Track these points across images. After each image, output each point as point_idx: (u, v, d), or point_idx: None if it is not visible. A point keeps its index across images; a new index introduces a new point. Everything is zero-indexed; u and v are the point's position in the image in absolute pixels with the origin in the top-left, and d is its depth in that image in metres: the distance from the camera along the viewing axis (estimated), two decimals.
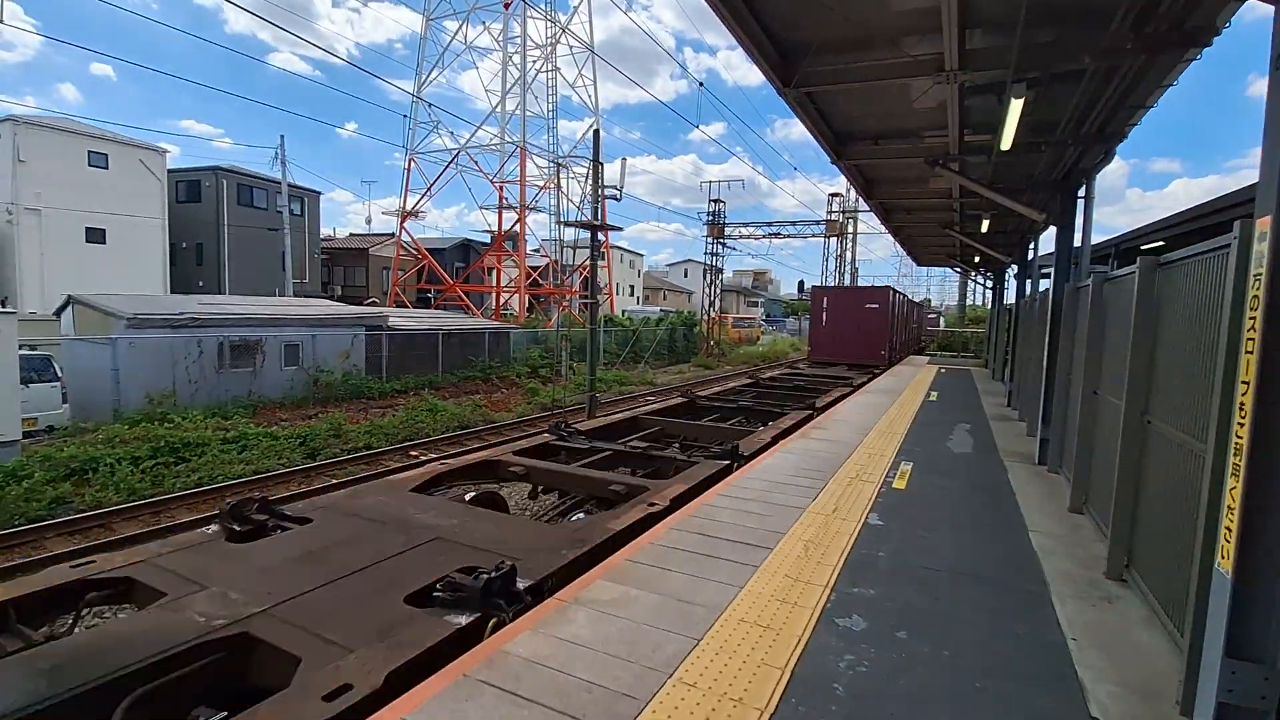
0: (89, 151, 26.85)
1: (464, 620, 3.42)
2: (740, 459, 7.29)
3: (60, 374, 13.15)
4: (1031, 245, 12.15)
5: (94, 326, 14.66)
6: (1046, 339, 7.56)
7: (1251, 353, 2.37)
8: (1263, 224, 2.35)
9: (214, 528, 4.77)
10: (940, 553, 4.74)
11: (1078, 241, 7.36)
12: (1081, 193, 7.21)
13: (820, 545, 4.77)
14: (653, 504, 5.44)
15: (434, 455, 12.48)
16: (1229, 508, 2.44)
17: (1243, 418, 2.40)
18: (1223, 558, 2.46)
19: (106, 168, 27.40)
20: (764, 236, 36.59)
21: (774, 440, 8.57)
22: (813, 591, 3.98)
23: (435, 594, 3.62)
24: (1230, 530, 2.42)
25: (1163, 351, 4.03)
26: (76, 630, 3.72)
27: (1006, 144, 5.70)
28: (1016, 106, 4.89)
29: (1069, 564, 4.63)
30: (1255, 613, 2.36)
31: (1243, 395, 2.41)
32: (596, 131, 13.98)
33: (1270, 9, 2.31)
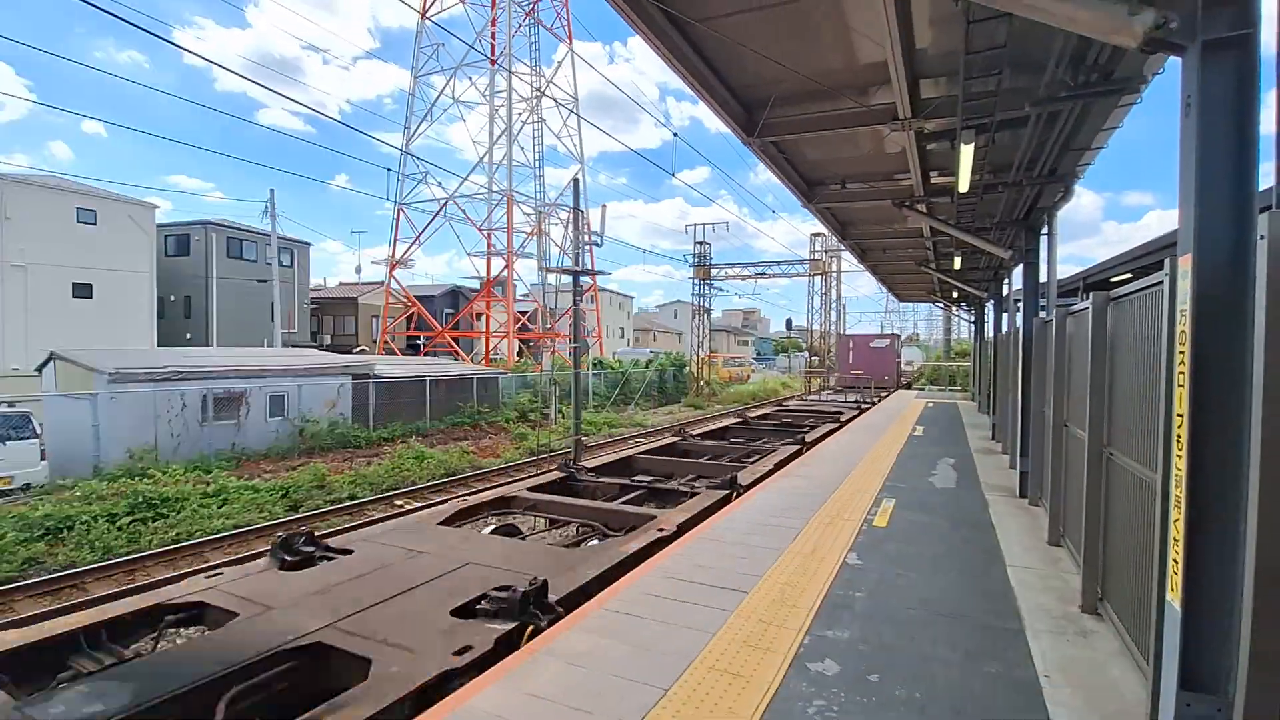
0: (77, 208, 27.08)
1: (507, 628, 3.90)
2: (739, 489, 7.68)
3: (39, 431, 12.98)
4: (1006, 280, 12.38)
5: (76, 382, 14.56)
6: (1020, 372, 7.67)
7: (1183, 386, 2.44)
8: (1184, 262, 2.45)
9: (265, 560, 5.27)
10: (917, 592, 4.71)
11: (1044, 276, 7.54)
12: (1045, 229, 7.42)
13: (797, 587, 4.73)
14: (661, 529, 6.03)
15: (421, 504, 12.32)
16: (1174, 539, 2.48)
17: (1180, 449, 2.45)
18: (1172, 590, 2.48)
19: (95, 224, 27.60)
20: (750, 276, 37.09)
21: (767, 474, 8.72)
22: (786, 636, 3.94)
23: (478, 607, 4.15)
24: (1177, 562, 2.45)
25: (1118, 384, 4.10)
26: (159, 647, 4.20)
27: (964, 187, 5.90)
28: (968, 151, 5.09)
29: (1046, 598, 4.61)
30: (1206, 644, 2.36)
31: (1179, 427, 2.47)
32: (576, 180, 14.29)
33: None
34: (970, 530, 6.33)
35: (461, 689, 3.28)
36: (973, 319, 23.11)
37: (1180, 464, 2.44)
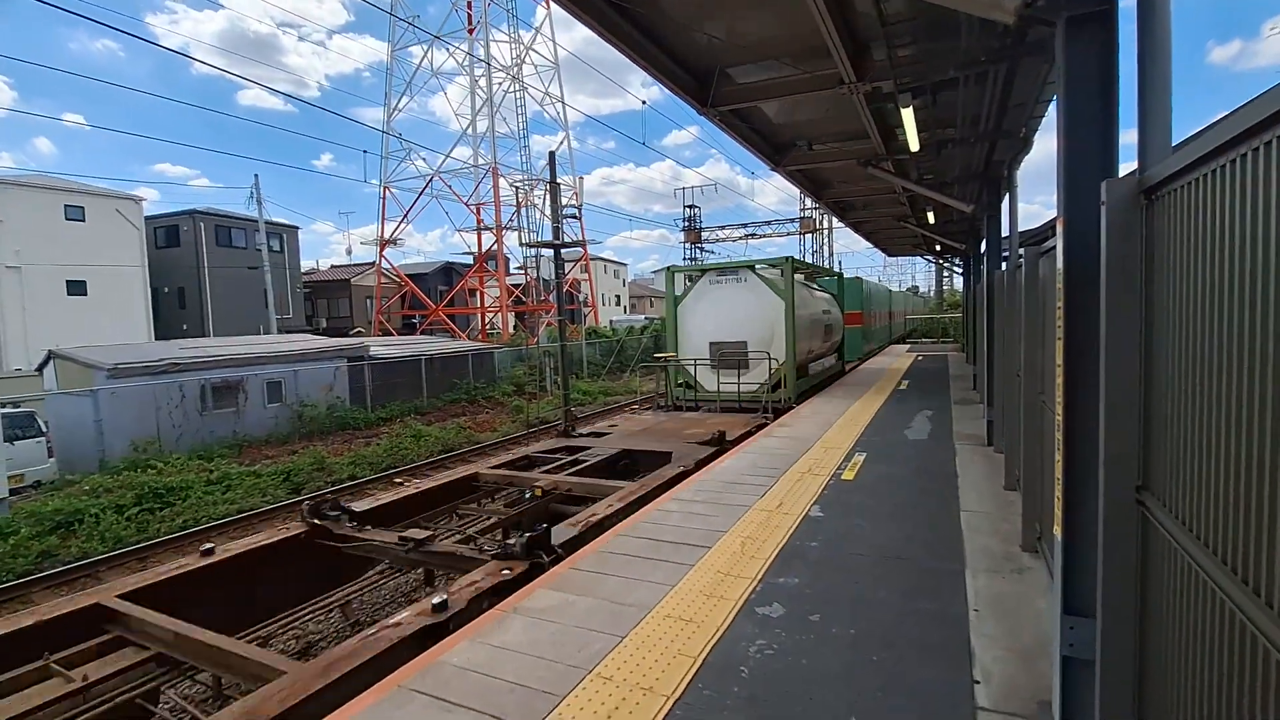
0: (65, 205, 27.07)
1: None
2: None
3: (45, 429, 13.32)
4: (984, 233, 12.46)
5: (76, 379, 14.84)
6: (985, 323, 7.86)
7: (1061, 339, 2.65)
8: (1060, 224, 2.64)
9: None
10: (870, 539, 4.99)
11: (1007, 230, 7.67)
12: (1004, 183, 7.52)
13: (757, 540, 5.02)
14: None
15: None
16: (1057, 478, 2.72)
17: (1059, 396, 2.68)
18: (1057, 524, 2.73)
19: (84, 220, 27.62)
20: (741, 238, 37.02)
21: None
22: (739, 584, 4.24)
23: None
24: (1060, 499, 2.70)
25: (1048, 335, 4.31)
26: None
27: (914, 146, 6.01)
28: (909, 113, 5.20)
29: (991, 540, 4.89)
30: (1082, 572, 2.62)
31: (1059, 377, 2.69)
32: (552, 154, 14.29)
33: None
34: (933, 480, 6.60)
35: (433, 647, 3.59)
36: (963, 271, 23.17)
37: (1059, 409, 2.67)
